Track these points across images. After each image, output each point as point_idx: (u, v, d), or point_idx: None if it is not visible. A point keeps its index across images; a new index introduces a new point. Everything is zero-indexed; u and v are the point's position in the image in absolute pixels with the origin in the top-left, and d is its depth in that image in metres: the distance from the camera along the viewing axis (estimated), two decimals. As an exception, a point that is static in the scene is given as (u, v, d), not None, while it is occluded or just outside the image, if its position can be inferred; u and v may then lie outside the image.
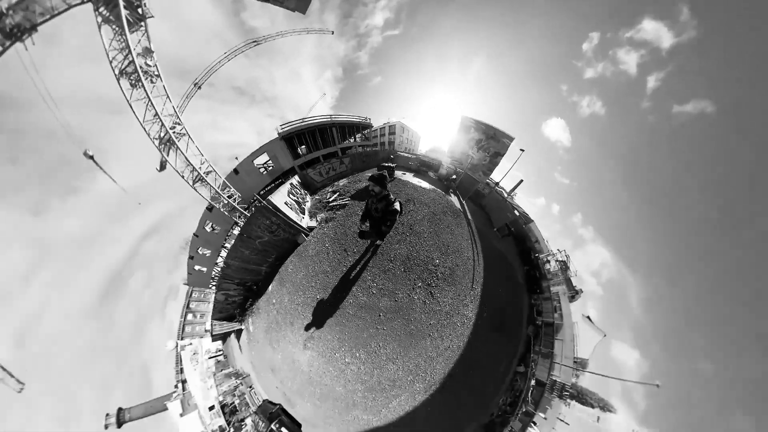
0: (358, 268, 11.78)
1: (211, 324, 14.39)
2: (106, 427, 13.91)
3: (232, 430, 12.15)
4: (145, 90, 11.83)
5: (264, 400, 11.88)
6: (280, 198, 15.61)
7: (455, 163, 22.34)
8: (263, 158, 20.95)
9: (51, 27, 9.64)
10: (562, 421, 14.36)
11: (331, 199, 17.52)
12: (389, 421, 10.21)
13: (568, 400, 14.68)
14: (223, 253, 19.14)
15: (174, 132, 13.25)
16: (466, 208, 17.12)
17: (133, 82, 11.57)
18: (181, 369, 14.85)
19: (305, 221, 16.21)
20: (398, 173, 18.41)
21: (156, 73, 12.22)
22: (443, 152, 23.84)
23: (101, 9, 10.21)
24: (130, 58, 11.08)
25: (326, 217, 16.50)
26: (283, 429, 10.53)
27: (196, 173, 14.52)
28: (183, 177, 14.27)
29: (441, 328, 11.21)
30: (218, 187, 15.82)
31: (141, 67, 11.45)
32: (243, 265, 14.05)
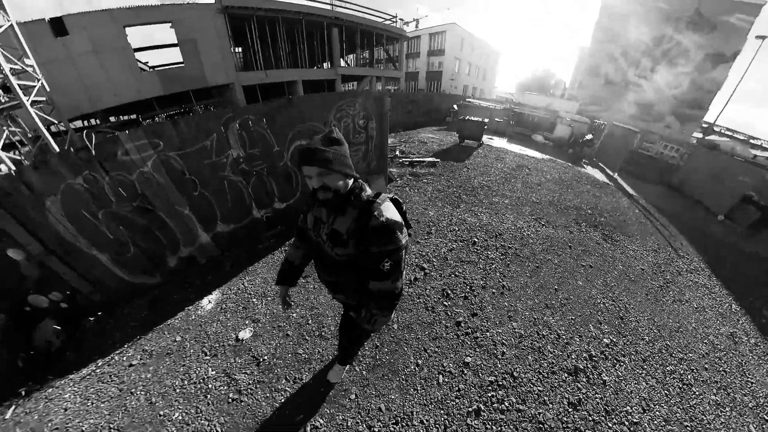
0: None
1: None
2: None
3: None
4: None
5: None
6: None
7: (586, 112, 13.36)
8: (149, 35, 10.68)
9: None
10: None
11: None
12: None
13: None
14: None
15: None
16: (624, 184, 9.66)
17: None
18: None
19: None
20: (485, 138, 11.02)
21: None
22: (557, 85, 15.61)
23: None
24: None
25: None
26: None
27: None
28: None
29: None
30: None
31: None
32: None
